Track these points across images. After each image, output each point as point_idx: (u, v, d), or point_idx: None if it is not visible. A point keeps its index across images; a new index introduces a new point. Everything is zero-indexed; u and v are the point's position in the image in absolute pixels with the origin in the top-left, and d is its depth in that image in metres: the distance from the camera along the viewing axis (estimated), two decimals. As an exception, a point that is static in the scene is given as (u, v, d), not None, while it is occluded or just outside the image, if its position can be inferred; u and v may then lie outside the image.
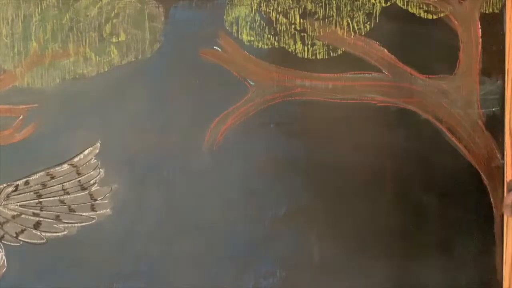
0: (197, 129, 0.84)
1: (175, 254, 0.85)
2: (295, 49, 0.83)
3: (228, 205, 0.85)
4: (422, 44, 0.82)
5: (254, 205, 0.85)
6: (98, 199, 0.85)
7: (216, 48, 0.84)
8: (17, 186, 0.85)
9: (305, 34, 0.83)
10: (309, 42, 0.83)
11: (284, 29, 0.83)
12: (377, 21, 0.82)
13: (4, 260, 0.85)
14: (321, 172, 0.84)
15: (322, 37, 0.83)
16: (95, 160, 0.85)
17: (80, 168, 0.85)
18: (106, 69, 0.84)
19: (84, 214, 0.85)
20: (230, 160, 0.84)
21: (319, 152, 0.84)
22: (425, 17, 0.82)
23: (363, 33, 0.83)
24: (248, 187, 0.84)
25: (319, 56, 0.83)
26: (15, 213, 0.85)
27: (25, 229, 0.85)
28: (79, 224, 0.85)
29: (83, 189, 0.85)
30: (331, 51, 0.83)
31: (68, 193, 0.86)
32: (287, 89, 0.84)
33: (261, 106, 0.84)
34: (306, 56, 0.83)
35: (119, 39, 0.84)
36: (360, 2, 0.82)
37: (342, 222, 0.84)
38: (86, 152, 0.85)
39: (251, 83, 0.84)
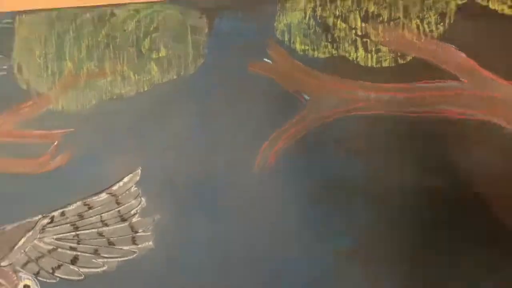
0: (246, 150, 0.80)
1: (225, 290, 0.81)
2: (357, 57, 0.79)
3: (283, 235, 0.79)
4: (506, 45, 0.75)
5: (313, 236, 0.78)
6: (140, 231, 0.82)
7: (266, 60, 0.80)
8: (52, 217, 0.83)
9: (368, 40, 0.78)
10: (373, 49, 0.78)
11: (343, 35, 0.79)
12: (452, 21, 0.77)
13: (40, 298, 0.84)
14: (390, 197, 0.77)
15: (387, 43, 0.78)
16: (136, 188, 0.82)
17: (120, 197, 0.83)
18: (146, 88, 0.83)
19: (124, 247, 0.83)
20: (284, 184, 0.79)
21: (385, 175, 0.77)
22: (510, 13, 0.75)
23: (435, 36, 0.77)
24: (304, 214, 0.78)
25: (385, 64, 0.78)
26: (51, 247, 0.84)
27: (61, 265, 0.83)
28: (119, 259, 0.83)
29: (123, 220, 0.83)
30: (398, 58, 0.78)
31: (107, 225, 0.83)
32: (348, 102, 0.78)
33: (318, 122, 0.79)
34: (369, 65, 0.78)
35: (160, 55, 0.82)
36: (432, 0, 0.77)
37: (418, 254, 0.76)
38: (126, 179, 0.82)
39: (307, 97, 0.80)
